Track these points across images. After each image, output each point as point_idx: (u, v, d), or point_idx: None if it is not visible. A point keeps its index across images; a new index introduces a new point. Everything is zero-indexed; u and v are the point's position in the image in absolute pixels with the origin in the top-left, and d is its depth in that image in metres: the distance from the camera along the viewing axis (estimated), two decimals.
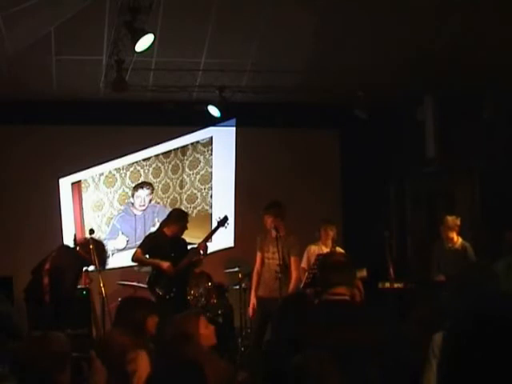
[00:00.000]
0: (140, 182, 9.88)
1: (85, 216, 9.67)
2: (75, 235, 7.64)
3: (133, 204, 9.88)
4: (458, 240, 7.83)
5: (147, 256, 7.35)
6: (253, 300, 7.25)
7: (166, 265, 7.15)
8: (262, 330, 7.07)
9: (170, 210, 8.53)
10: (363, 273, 7.45)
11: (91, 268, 7.12)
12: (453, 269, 7.44)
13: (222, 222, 7.54)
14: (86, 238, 6.92)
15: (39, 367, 2.90)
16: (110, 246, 9.42)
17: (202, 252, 7.40)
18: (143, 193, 9.90)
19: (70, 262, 6.75)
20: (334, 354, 2.83)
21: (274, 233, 7.17)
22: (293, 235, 7.27)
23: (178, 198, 10.02)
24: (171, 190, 10.01)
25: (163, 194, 9.98)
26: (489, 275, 3.42)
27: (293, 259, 7.21)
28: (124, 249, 9.69)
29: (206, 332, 3.99)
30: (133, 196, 9.87)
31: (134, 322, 4.25)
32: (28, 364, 2.91)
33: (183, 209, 9.57)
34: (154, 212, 9.87)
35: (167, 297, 7.17)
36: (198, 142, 10.10)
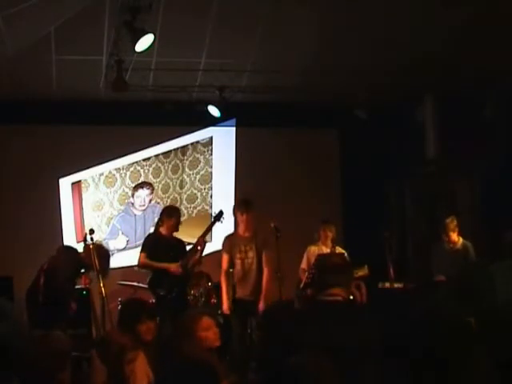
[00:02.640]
0: (140, 182, 9.88)
1: (85, 216, 9.67)
2: (86, 234, 7.55)
3: (133, 204, 9.88)
4: (458, 240, 7.81)
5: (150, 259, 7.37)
6: (227, 303, 7.13)
7: (173, 267, 7.16)
8: (245, 330, 7.08)
9: None
10: (365, 270, 7.45)
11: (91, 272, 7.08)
12: (454, 269, 7.44)
13: (218, 216, 7.52)
14: (88, 243, 6.88)
15: (40, 366, 2.90)
16: (110, 246, 9.43)
17: (199, 248, 7.37)
18: (143, 193, 9.90)
19: (66, 263, 6.71)
20: (327, 353, 2.84)
21: (248, 230, 7.18)
22: (261, 232, 7.29)
23: (178, 198, 10.02)
24: (171, 189, 10.01)
25: (163, 193, 9.98)
26: (486, 276, 3.44)
27: (266, 254, 7.19)
28: (124, 249, 9.69)
29: (207, 334, 3.99)
30: (133, 196, 9.87)
31: (129, 329, 4.25)
32: (29, 363, 2.91)
33: (183, 209, 9.60)
34: (153, 212, 9.86)
35: (168, 296, 7.17)
36: (197, 141, 10.10)
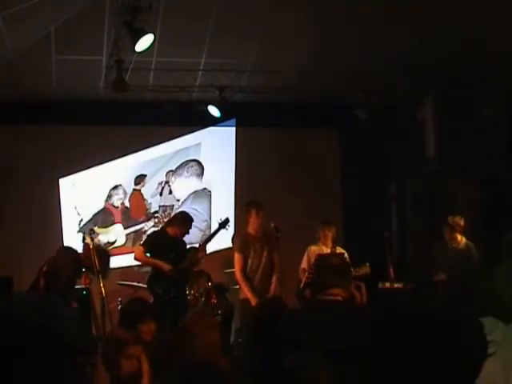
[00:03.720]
0: (140, 181, 9.89)
1: (84, 216, 9.68)
2: (84, 237, 7.54)
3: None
4: (461, 240, 7.76)
5: (148, 255, 7.36)
6: (255, 299, 7.09)
7: (166, 267, 7.13)
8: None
9: None
10: (366, 269, 7.45)
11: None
12: (456, 269, 7.43)
13: (223, 224, 7.53)
14: (88, 243, 6.88)
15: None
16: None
17: (200, 256, 7.39)
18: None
19: (67, 264, 6.69)
20: (325, 353, 2.84)
21: (259, 230, 7.18)
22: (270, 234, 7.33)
23: None
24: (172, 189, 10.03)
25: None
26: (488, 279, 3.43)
27: (277, 254, 7.24)
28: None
29: (207, 334, 3.99)
30: (131, 196, 9.88)
31: (130, 327, 4.25)
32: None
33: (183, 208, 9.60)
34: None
35: (166, 296, 7.17)
36: (197, 142, 10.11)
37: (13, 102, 8.85)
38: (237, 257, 7.24)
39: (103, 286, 6.67)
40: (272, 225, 7.30)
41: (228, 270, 8.55)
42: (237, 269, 7.22)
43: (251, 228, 7.29)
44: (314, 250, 7.92)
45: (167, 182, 10.00)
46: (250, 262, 7.20)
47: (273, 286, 7.17)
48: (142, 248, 7.42)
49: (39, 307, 1.46)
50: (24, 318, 1.41)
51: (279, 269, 7.22)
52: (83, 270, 7.00)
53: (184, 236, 7.46)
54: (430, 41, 7.43)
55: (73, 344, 1.44)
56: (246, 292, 7.11)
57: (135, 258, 7.47)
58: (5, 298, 1.50)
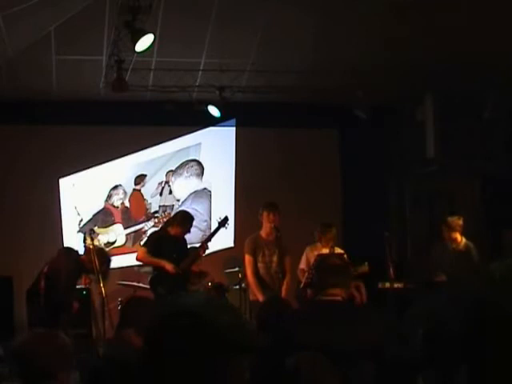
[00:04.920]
0: (140, 181, 9.89)
1: (84, 216, 9.68)
2: (85, 238, 7.55)
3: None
4: (461, 240, 7.74)
5: (150, 255, 7.37)
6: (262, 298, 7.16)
7: (170, 266, 7.14)
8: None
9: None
10: (365, 268, 7.45)
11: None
12: (456, 269, 7.43)
13: (223, 222, 7.54)
14: (89, 246, 6.87)
15: (40, 365, 2.90)
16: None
17: (201, 253, 7.41)
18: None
19: (67, 266, 6.69)
20: (325, 353, 2.84)
21: (272, 233, 7.20)
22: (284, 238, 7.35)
23: None
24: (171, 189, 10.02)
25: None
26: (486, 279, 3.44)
27: (288, 259, 7.28)
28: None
29: None
30: (131, 196, 9.88)
31: (140, 323, 4.23)
32: (29, 361, 2.91)
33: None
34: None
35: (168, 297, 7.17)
36: (197, 142, 10.10)
37: (13, 102, 8.86)
38: (247, 259, 7.32)
39: (103, 286, 6.68)
40: (272, 225, 7.32)
41: (228, 270, 8.56)
42: (248, 270, 7.30)
43: (263, 231, 7.36)
44: (312, 250, 7.91)
45: (167, 182, 10.00)
46: (258, 265, 7.24)
47: (284, 290, 7.17)
48: (144, 249, 7.42)
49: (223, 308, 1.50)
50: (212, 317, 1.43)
51: (291, 274, 7.32)
52: (84, 271, 7.01)
53: (185, 235, 7.47)
54: (430, 41, 7.44)
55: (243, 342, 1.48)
56: (256, 293, 7.16)
57: (138, 259, 7.48)
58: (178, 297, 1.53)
